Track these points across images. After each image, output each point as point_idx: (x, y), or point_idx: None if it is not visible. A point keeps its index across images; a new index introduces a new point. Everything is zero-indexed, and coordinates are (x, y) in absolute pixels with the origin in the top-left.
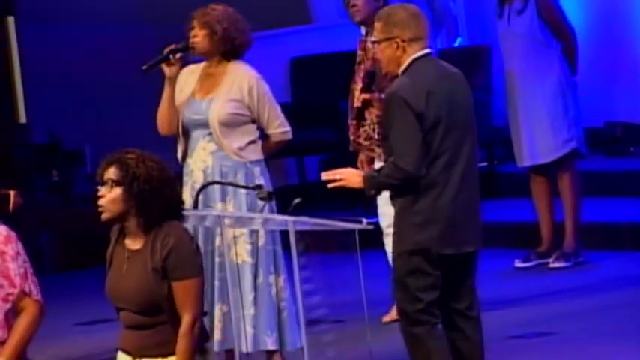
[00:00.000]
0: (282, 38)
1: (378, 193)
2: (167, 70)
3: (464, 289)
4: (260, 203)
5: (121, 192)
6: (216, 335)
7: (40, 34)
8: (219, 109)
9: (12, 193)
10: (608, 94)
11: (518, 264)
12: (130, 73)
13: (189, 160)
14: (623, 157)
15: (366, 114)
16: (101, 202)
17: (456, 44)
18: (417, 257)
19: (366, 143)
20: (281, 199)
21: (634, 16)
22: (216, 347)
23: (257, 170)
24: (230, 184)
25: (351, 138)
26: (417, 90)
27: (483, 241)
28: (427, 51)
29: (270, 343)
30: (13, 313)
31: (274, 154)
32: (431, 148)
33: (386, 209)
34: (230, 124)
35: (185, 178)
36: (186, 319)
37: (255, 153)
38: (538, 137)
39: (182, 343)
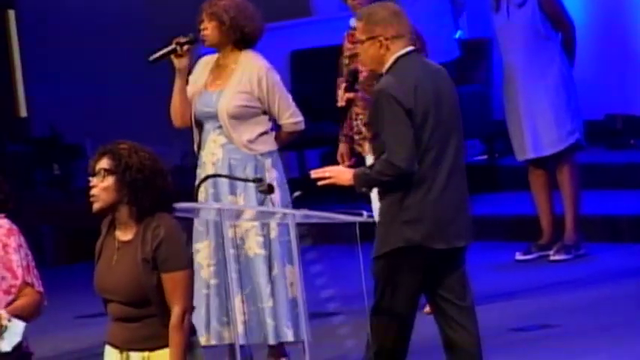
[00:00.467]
0: (282, 31)
1: (369, 189)
2: (176, 62)
3: (453, 280)
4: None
5: (113, 181)
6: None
7: (40, 27)
8: (228, 101)
9: None
10: (609, 86)
11: (519, 257)
12: (131, 66)
13: (202, 153)
14: (623, 149)
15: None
16: (93, 191)
17: (457, 37)
18: (408, 253)
19: (357, 137)
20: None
21: (634, 9)
22: (242, 341)
23: (268, 162)
24: (228, 176)
25: (343, 132)
26: (404, 87)
27: (484, 234)
28: (411, 48)
29: (291, 335)
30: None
31: (286, 145)
32: (420, 144)
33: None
34: (240, 117)
35: (198, 171)
36: (175, 312)
37: (267, 145)
38: (542, 129)
39: (174, 336)
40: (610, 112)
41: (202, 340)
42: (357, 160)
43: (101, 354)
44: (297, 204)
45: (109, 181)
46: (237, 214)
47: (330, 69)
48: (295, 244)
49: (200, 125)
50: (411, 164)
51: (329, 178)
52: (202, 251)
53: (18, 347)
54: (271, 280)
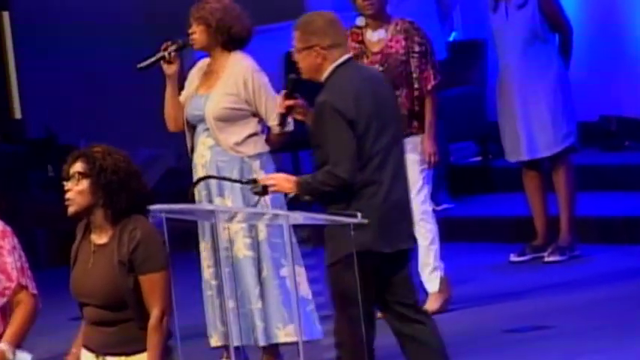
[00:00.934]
0: (276, 33)
1: (312, 198)
2: (166, 68)
3: (398, 282)
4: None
5: (88, 184)
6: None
7: (35, 28)
8: (214, 104)
9: None
10: (603, 88)
11: (514, 258)
12: (125, 67)
13: (194, 155)
14: (618, 150)
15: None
16: (68, 195)
17: (451, 38)
18: (359, 259)
19: None
20: None
21: (629, 10)
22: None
23: (256, 164)
24: (224, 178)
25: None
26: (345, 96)
27: (478, 236)
28: (348, 56)
29: (282, 337)
30: (9, 307)
31: (277, 147)
32: (363, 151)
33: None
34: (226, 119)
35: (193, 174)
36: (154, 314)
37: (256, 147)
38: (537, 132)
39: (152, 337)
40: (604, 114)
41: (212, 341)
42: None
43: None
44: (291, 206)
45: (84, 184)
46: (231, 216)
47: None
48: (289, 246)
49: (192, 128)
50: (354, 176)
51: (273, 185)
52: (204, 252)
53: None
54: (260, 282)
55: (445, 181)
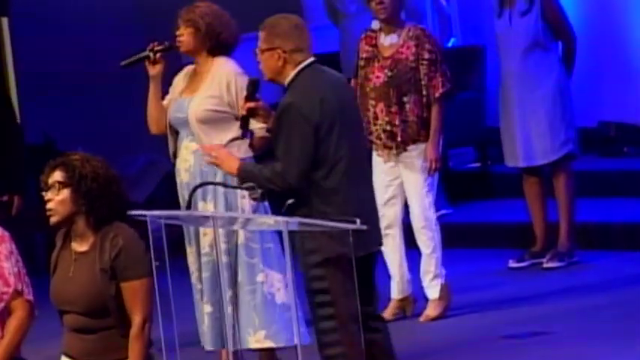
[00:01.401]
0: None
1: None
2: (150, 69)
3: (361, 286)
4: (240, 203)
5: (69, 193)
6: (208, 334)
7: (33, 34)
8: (197, 106)
9: (16, 197)
10: (602, 93)
11: (512, 264)
12: (124, 73)
13: (177, 160)
14: (616, 156)
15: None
16: (49, 205)
17: (450, 44)
18: (336, 264)
19: (379, 142)
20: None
21: (627, 15)
22: (209, 346)
23: None
24: (223, 184)
25: None
26: (310, 100)
27: (477, 242)
28: (312, 59)
29: (253, 342)
30: (6, 312)
31: (264, 153)
32: (328, 156)
33: (384, 210)
34: (209, 122)
35: (177, 179)
36: (136, 321)
37: (240, 151)
38: (535, 139)
39: (134, 344)
40: (603, 120)
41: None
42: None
43: None
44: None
45: (65, 193)
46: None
47: None
48: (289, 252)
49: (175, 133)
50: (301, 181)
51: (215, 157)
52: (189, 257)
53: None
54: (234, 287)
55: (443, 186)
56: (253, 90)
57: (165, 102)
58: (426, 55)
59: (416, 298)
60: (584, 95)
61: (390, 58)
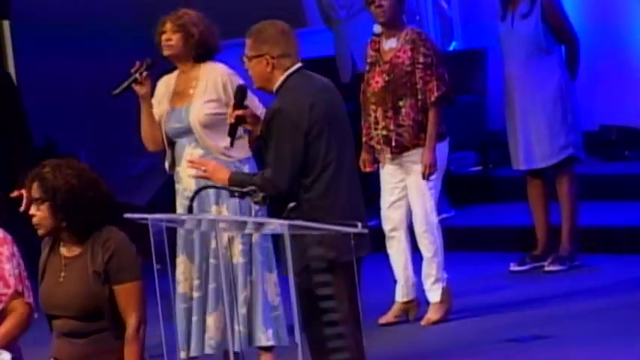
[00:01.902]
0: None
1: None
2: (138, 90)
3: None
4: (253, 206)
5: (47, 208)
6: (214, 337)
7: (35, 38)
8: (197, 112)
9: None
10: (603, 97)
11: (514, 267)
12: (125, 75)
13: (178, 168)
14: (618, 160)
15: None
16: (34, 220)
17: (451, 47)
18: (326, 268)
19: (378, 147)
20: None
21: (629, 19)
22: (210, 350)
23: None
24: (225, 188)
25: (364, 139)
26: (299, 105)
27: (479, 245)
28: (299, 65)
29: (265, 340)
30: (5, 314)
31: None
32: (317, 161)
33: (389, 213)
34: (212, 125)
35: (177, 186)
36: (131, 323)
37: (243, 151)
38: (535, 142)
39: (130, 346)
40: (605, 124)
41: (182, 354)
42: (379, 168)
43: None
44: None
45: (44, 209)
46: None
47: None
48: (290, 256)
49: (172, 143)
50: (290, 187)
51: (204, 172)
52: (180, 265)
53: None
54: (248, 286)
55: (444, 190)
56: (241, 97)
57: (156, 117)
58: (421, 59)
59: (420, 302)
60: (585, 99)
61: (388, 63)
